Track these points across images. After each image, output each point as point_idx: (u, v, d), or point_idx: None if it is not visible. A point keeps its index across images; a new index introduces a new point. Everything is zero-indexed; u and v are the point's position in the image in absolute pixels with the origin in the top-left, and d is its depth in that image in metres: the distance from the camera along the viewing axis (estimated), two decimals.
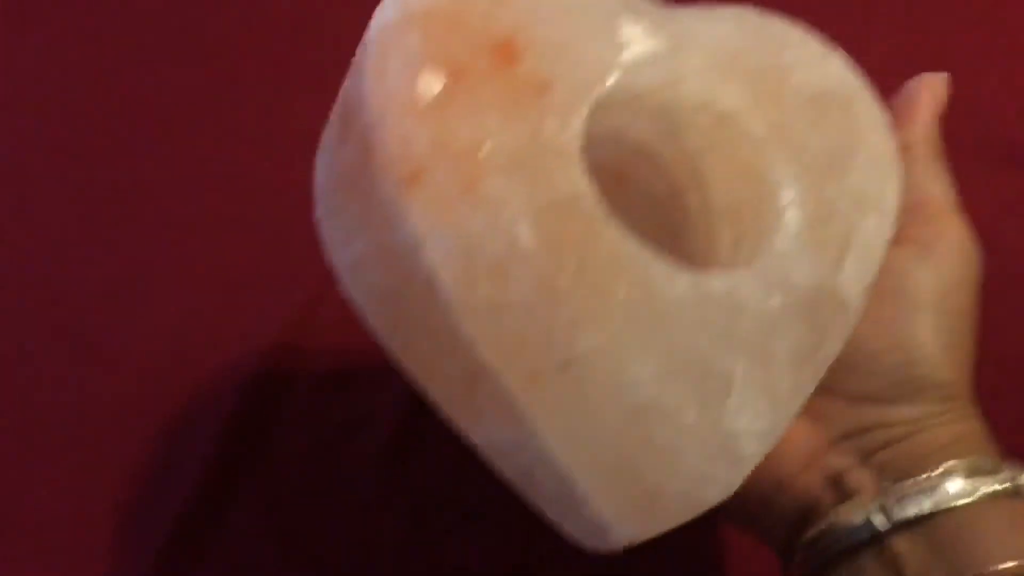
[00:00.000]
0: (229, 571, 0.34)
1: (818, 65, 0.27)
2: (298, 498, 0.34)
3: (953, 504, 0.23)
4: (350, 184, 0.23)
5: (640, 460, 0.22)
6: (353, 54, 0.23)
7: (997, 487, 0.23)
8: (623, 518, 0.22)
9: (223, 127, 0.41)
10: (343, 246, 0.23)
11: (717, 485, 0.22)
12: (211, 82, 0.43)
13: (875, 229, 0.25)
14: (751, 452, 0.23)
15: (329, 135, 0.25)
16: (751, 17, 0.27)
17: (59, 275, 0.39)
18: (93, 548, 0.34)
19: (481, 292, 0.21)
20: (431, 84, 0.22)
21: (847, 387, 0.25)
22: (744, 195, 0.26)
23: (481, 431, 0.22)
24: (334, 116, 0.24)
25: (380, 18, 0.23)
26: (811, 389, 0.24)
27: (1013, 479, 0.24)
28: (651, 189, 0.28)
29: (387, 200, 0.21)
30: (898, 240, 0.26)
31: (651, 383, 0.22)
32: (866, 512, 0.24)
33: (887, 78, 0.27)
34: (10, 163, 0.41)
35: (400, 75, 0.22)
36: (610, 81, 0.24)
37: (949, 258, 0.26)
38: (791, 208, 0.25)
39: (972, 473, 0.23)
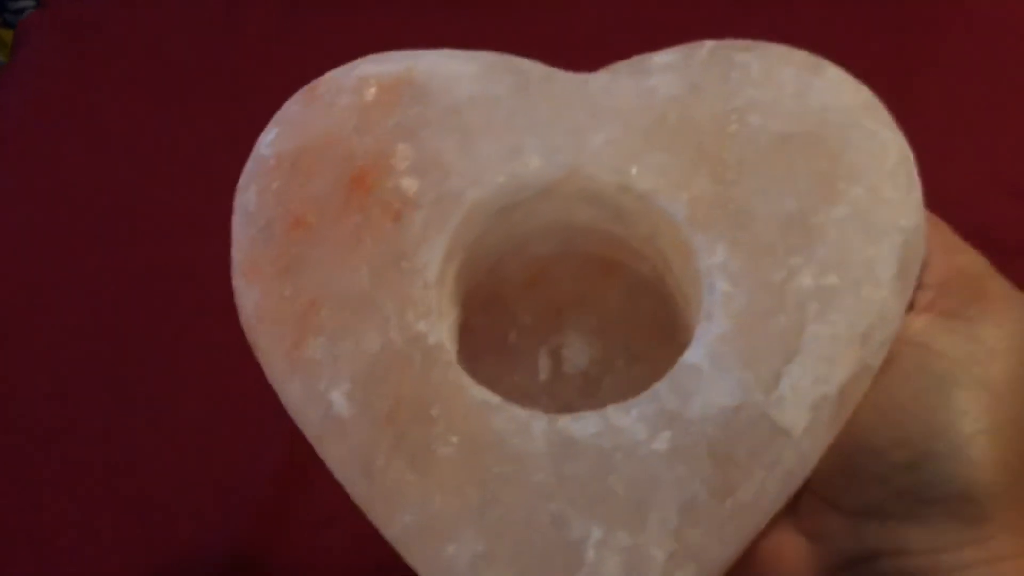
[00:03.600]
0: None
1: (790, 97, 0.22)
2: None
3: None
4: None
5: None
6: None
7: None
8: None
9: None
10: None
11: None
12: None
13: (844, 320, 0.20)
14: None
15: None
16: (701, 55, 0.23)
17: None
18: None
19: (326, 456, 0.20)
20: (261, 243, 0.21)
21: (847, 499, 0.21)
22: (693, 284, 0.22)
23: None
24: None
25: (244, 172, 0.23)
26: (722, 554, 0.19)
27: None
28: (640, 273, 0.25)
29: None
30: (917, 311, 0.21)
31: (467, 569, 0.19)
32: None
33: None
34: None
35: (240, 236, 0.22)
36: (486, 190, 0.22)
37: (990, 322, 0.20)
38: (717, 304, 0.21)
39: None
